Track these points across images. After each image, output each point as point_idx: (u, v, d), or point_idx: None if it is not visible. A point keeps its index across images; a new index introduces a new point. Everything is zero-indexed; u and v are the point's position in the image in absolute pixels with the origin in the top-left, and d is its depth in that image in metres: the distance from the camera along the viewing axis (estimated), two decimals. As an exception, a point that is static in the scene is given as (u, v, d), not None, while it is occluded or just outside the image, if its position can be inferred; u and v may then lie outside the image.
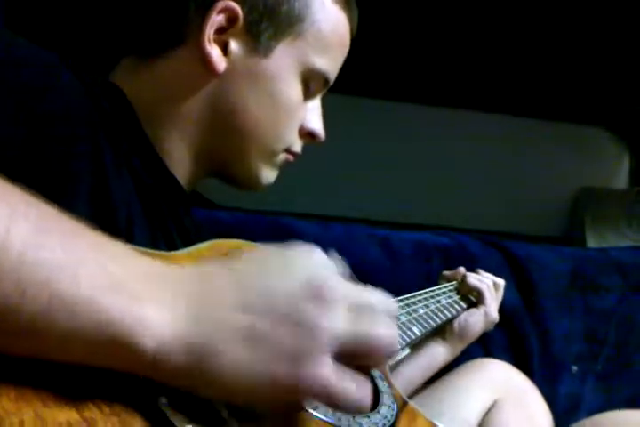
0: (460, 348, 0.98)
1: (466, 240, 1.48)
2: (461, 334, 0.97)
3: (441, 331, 0.96)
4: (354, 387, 0.35)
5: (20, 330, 0.30)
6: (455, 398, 0.89)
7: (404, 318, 0.81)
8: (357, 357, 0.36)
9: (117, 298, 0.31)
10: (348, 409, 0.36)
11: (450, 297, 1.00)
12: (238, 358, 0.33)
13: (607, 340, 1.41)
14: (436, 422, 0.57)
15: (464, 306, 1.00)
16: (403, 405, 0.56)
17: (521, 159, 2.21)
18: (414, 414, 0.56)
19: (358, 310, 0.36)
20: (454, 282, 1.05)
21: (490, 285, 1.03)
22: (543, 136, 2.21)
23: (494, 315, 1.02)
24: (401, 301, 0.85)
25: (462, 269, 1.07)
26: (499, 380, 0.95)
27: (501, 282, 1.07)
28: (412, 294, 0.90)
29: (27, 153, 0.42)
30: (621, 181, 2.32)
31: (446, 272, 1.08)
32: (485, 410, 0.89)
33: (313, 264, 0.38)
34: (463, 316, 0.99)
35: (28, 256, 0.29)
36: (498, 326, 1.03)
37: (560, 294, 1.43)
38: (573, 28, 1.76)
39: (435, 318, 0.89)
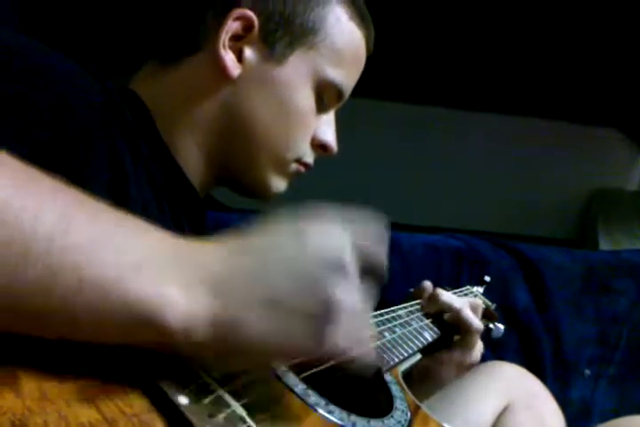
0: (421, 398, 0.72)
1: (477, 243, 1.47)
2: (422, 383, 0.80)
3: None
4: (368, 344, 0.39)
5: (54, 311, 0.31)
6: (467, 401, 0.88)
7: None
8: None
9: (143, 278, 0.33)
10: (360, 367, 0.39)
11: (420, 319, 0.80)
12: (264, 326, 0.35)
13: (620, 343, 1.40)
14: (448, 427, 0.57)
15: (432, 335, 0.79)
16: (415, 410, 0.57)
17: (533, 161, 2.20)
18: (427, 420, 0.56)
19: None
20: (419, 300, 0.86)
21: (467, 304, 0.83)
22: (555, 138, 2.20)
23: (475, 356, 0.82)
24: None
25: (428, 284, 0.89)
26: (511, 383, 0.94)
27: (479, 303, 0.87)
28: (385, 311, 0.75)
29: (47, 157, 0.42)
30: (634, 182, 2.30)
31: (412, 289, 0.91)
32: (498, 413, 0.88)
33: (329, 236, 0.39)
34: (425, 361, 0.80)
35: (56, 241, 0.31)
36: (509, 328, 0.97)
37: (572, 297, 1.42)
38: (586, 30, 1.76)
39: (405, 346, 0.70)
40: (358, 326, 0.38)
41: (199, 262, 0.36)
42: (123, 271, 0.32)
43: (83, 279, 0.31)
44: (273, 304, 0.35)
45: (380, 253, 0.43)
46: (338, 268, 0.37)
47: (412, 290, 0.91)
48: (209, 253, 0.37)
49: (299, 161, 0.68)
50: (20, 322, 0.31)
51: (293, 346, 0.36)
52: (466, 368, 0.83)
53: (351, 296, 0.37)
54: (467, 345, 0.82)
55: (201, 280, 0.35)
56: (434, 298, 0.84)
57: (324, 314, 0.36)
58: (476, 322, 0.81)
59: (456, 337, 0.83)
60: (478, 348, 0.84)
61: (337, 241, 0.38)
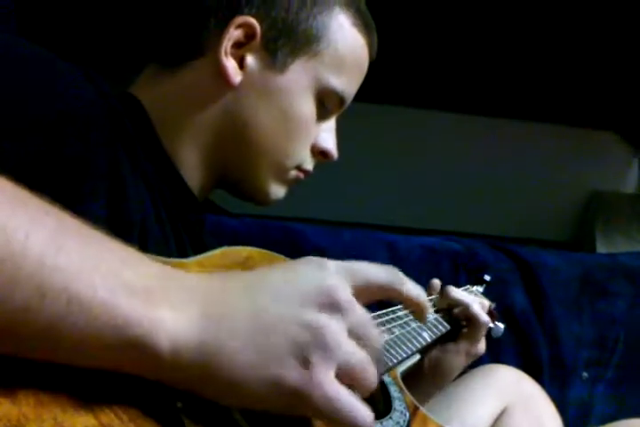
0: (434, 391, 0.85)
1: (475, 245, 1.48)
2: (434, 374, 0.85)
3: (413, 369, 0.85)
4: (360, 405, 0.35)
5: (40, 333, 0.31)
6: (465, 404, 0.89)
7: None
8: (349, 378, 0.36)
9: (133, 301, 0.32)
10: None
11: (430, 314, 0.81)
12: (250, 360, 0.34)
13: (617, 346, 1.40)
14: (447, 428, 0.57)
15: (442, 329, 0.83)
16: (414, 410, 0.57)
17: (530, 164, 2.20)
18: (425, 420, 0.57)
19: (357, 333, 0.37)
20: (432, 296, 0.90)
21: (477, 301, 0.89)
22: (552, 141, 2.20)
23: (480, 347, 0.87)
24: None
25: (437, 282, 0.94)
26: (508, 386, 0.94)
27: (485, 301, 0.93)
28: (384, 311, 0.77)
29: (43, 164, 0.42)
30: (631, 185, 2.31)
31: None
32: (495, 416, 0.88)
33: (325, 274, 0.38)
34: (435, 352, 0.85)
35: (46, 261, 0.30)
36: (507, 331, 0.98)
37: (570, 300, 1.43)
38: (582, 33, 1.76)
39: (411, 342, 0.72)
40: (355, 362, 0.36)
41: (191, 286, 0.36)
42: (112, 293, 0.32)
43: (71, 301, 0.31)
44: (264, 340, 0.34)
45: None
46: (327, 300, 0.36)
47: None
48: (200, 279, 0.37)
49: (298, 168, 0.67)
50: (4, 344, 0.31)
51: (277, 374, 0.34)
52: (472, 358, 0.87)
53: (342, 326, 0.36)
54: (474, 337, 0.86)
55: (190, 302, 0.34)
56: (445, 294, 0.88)
57: (311, 342, 0.34)
58: (484, 316, 0.85)
59: (464, 330, 0.86)
60: (483, 341, 0.88)
61: (330, 277, 0.38)
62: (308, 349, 0.34)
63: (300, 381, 0.34)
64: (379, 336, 0.39)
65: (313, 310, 0.35)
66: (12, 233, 0.30)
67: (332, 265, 0.39)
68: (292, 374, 0.34)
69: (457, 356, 0.86)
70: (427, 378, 0.84)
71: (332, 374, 0.35)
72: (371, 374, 0.37)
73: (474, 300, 0.88)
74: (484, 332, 0.87)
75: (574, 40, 1.79)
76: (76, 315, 0.31)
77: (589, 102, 2.05)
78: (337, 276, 0.38)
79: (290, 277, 0.37)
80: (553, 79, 1.95)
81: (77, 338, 0.31)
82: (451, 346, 0.86)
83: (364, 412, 0.35)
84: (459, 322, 0.87)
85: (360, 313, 0.38)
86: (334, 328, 0.35)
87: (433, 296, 0.90)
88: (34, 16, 1.43)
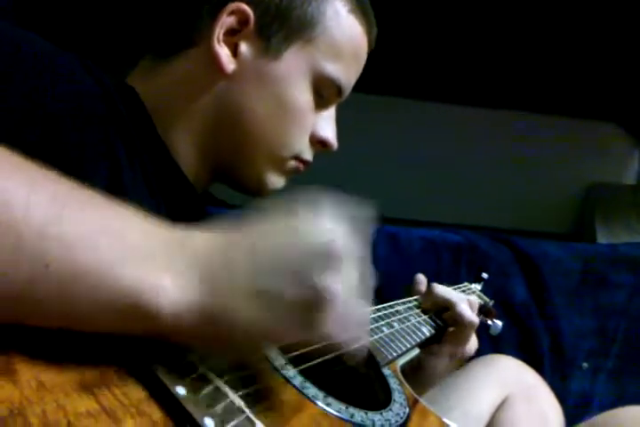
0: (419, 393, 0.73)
1: (475, 237, 1.48)
2: (417, 377, 0.79)
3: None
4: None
5: (47, 300, 0.31)
6: (465, 394, 0.89)
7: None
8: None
9: (136, 268, 0.33)
10: (352, 353, 0.40)
11: (418, 315, 0.80)
12: (251, 312, 0.35)
13: (617, 336, 1.41)
14: (446, 420, 0.57)
15: (430, 330, 0.79)
16: (414, 403, 0.57)
17: (530, 155, 2.20)
18: (425, 412, 0.57)
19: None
20: (418, 296, 0.87)
21: (465, 299, 0.83)
22: (553, 132, 2.20)
23: (469, 349, 0.82)
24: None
25: (422, 278, 0.90)
26: (509, 376, 0.94)
27: (474, 300, 0.86)
28: (384, 306, 0.76)
29: (39, 154, 0.42)
30: (631, 176, 2.30)
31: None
32: (496, 406, 0.89)
33: (317, 224, 0.39)
34: (418, 355, 0.81)
35: (49, 229, 0.30)
36: (508, 322, 0.98)
37: (570, 291, 1.43)
38: (584, 24, 1.75)
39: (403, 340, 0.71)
40: (350, 313, 0.39)
41: (189, 250, 0.36)
42: (117, 261, 0.32)
43: (77, 266, 0.31)
44: (260, 291, 0.35)
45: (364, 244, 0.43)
46: (326, 255, 0.37)
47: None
48: (200, 242, 0.37)
49: (297, 158, 0.66)
50: (18, 312, 0.31)
51: (280, 332, 0.37)
52: (459, 361, 0.83)
53: (340, 283, 0.37)
54: (459, 338, 0.81)
55: (191, 267, 0.35)
56: (430, 291, 0.85)
57: (310, 300, 0.36)
58: (470, 316, 0.81)
59: (450, 329, 0.82)
60: (473, 342, 0.84)
61: (325, 229, 0.39)
62: (310, 308, 0.36)
63: (304, 337, 0.37)
64: (371, 274, 0.41)
65: (313, 269, 0.36)
66: (12, 201, 0.30)
67: (327, 216, 0.40)
68: (295, 332, 0.36)
69: (440, 358, 0.81)
70: (409, 378, 0.72)
71: (334, 324, 0.37)
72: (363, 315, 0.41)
73: (460, 298, 0.83)
74: (469, 332, 0.81)
75: (575, 30, 1.79)
76: (81, 282, 0.31)
77: (590, 93, 2.04)
78: (332, 229, 0.39)
79: (289, 237, 0.38)
80: (553, 70, 1.94)
81: (84, 304, 0.32)
82: (434, 348, 0.81)
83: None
84: (446, 322, 0.83)
85: (355, 259, 0.39)
86: (334, 285, 0.36)
87: (417, 296, 0.87)
88: (31, 8, 1.42)
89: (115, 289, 0.32)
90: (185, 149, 0.63)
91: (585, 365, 1.37)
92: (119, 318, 0.33)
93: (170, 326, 0.34)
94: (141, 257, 0.33)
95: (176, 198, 0.61)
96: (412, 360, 0.81)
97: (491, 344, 1.24)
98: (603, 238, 2.08)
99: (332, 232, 0.38)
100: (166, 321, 0.34)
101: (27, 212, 0.30)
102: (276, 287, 0.36)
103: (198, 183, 0.66)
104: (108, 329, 0.34)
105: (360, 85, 0.71)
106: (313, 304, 0.36)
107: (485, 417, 0.87)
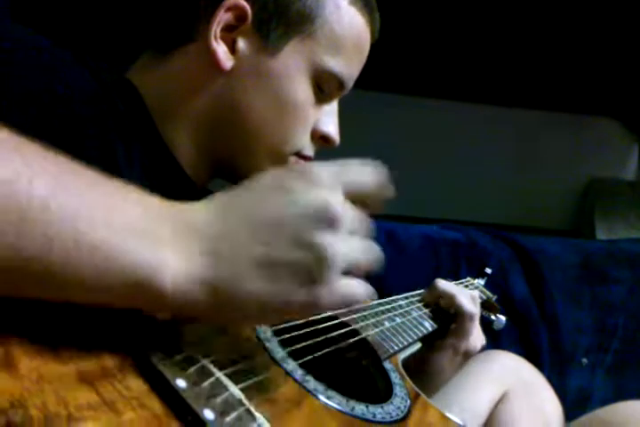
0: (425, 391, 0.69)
1: (474, 233, 1.48)
2: (420, 373, 0.77)
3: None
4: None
5: (51, 275, 0.31)
6: (464, 389, 0.89)
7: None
8: None
9: (138, 243, 0.33)
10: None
11: (420, 309, 0.80)
12: (256, 286, 0.35)
13: (617, 332, 1.41)
14: (448, 414, 0.58)
15: (432, 324, 0.78)
16: (415, 397, 0.57)
17: (530, 151, 2.20)
18: (426, 406, 0.57)
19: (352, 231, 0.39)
20: (420, 291, 0.87)
21: (466, 293, 0.82)
22: (552, 128, 2.20)
23: (474, 343, 0.81)
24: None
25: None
26: (508, 371, 0.94)
27: (476, 294, 0.84)
28: (386, 300, 0.76)
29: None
30: (630, 172, 2.31)
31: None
32: (495, 401, 0.89)
33: (315, 188, 0.39)
34: (420, 350, 0.80)
35: (51, 206, 0.31)
36: (508, 318, 0.96)
37: (570, 287, 1.43)
38: (583, 20, 1.75)
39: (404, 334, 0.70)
40: (352, 272, 0.39)
41: (190, 223, 0.36)
42: (118, 234, 0.33)
43: (79, 243, 0.31)
44: (263, 259, 0.36)
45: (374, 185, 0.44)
46: (326, 219, 0.37)
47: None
48: (198, 214, 0.37)
49: (298, 154, 0.65)
50: (23, 286, 0.32)
51: (286, 299, 0.36)
52: (462, 356, 0.81)
53: (343, 245, 0.37)
54: (461, 332, 0.80)
55: (192, 240, 0.35)
56: (433, 286, 0.84)
57: (311, 260, 0.36)
58: (470, 307, 0.79)
59: (453, 325, 0.82)
60: (477, 336, 0.82)
61: (323, 192, 0.38)
62: (312, 271, 0.36)
63: (306, 300, 0.36)
64: (368, 227, 0.41)
65: (312, 231, 0.36)
66: (14, 180, 0.30)
67: (325, 177, 0.39)
68: (298, 297, 0.36)
69: (443, 352, 0.80)
70: (413, 374, 0.72)
71: (336, 284, 0.37)
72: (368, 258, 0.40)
73: (461, 291, 0.82)
74: (471, 325, 0.80)
75: (574, 27, 1.79)
76: (84, 258, 0.31)
77: (590, 90, 2.04)
78: (330, 191, 0.39)
79: (287, 200, 0.38)
80: (553, 67, 1.94)
81: (88, 278, 0.32)
82: (437, 343, 0.80)
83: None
84: (448, 316, 0.82)
85: (352, 217, 0.39)
86: (334, 246, 0.36)
87: (419, 291, 0.86)
88: (30, 3, 1.42)
89: (119, 265, 0.32)
90: (184, 144, 0.62)
91: (584, 360, 1.37)
92: (122, 294, 0.34)
93: (175, 300, 0.34)
94: (142, 232, 0.34)
95: (175, 194, 0.61)
96: (415, 356, 0.81)
97: (490, 340, 1.24)
98: (602, 234, 2.08)
99: (331, 195, 0.38)
100: (171, 295, 0.34)
101: (30, 191, 0.30)
102: (277, 253, 0.36)
103: (198, 179, 0.65)
104: (111, 303, 0.34)
105: (361, 82, 0.70)
106: (314, 264, 0.36)
107: (484, 413, 0.87)
